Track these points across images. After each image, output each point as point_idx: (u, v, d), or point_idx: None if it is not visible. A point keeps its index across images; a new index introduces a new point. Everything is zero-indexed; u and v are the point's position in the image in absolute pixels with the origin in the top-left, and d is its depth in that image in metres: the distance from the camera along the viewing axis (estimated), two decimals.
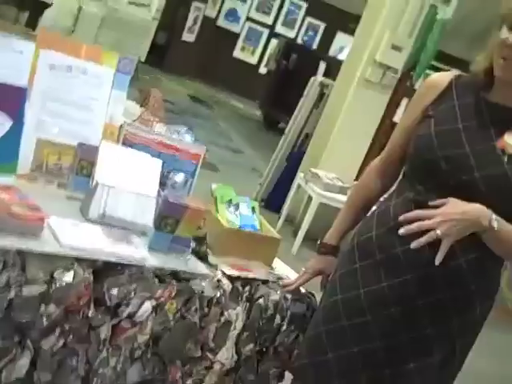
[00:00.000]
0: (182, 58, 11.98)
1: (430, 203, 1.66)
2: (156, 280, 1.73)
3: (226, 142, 8.47)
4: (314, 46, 13.00)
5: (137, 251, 1.75)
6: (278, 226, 5.44)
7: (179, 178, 2.24)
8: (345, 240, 1.98)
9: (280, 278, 2.01)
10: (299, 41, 13.08)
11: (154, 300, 1.70)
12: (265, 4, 13.04)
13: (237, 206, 2.10)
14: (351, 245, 1.85)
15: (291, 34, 13.08)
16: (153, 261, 1.76)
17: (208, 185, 5.87)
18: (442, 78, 1.82)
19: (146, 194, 1.92)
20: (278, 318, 1.93)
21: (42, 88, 1.99)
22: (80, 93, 2.05)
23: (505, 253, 1.70)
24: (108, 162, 1.94)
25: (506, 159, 1.64)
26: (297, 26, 13.20)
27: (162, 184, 2.20)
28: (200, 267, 1.86)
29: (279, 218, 5.56)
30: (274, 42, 12.41)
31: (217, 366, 1.89)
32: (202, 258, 1.93)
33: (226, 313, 1.85)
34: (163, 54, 11.98)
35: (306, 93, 5.69)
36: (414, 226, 1.64)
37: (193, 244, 1.94)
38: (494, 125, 1.70)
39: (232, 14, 12.98)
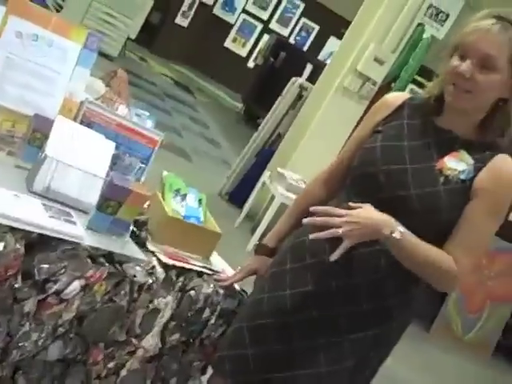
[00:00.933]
0: (173, 42, 11.93)
1: (349, 204, 1.70)
2: (89, 260, 1.74)
3: (201, 130, 8.46)
4: (306, 47, 13.02)
5: (74, 228, 1.75)
6: (237, 222, 5.47)
7: (133, 161, 2.24)
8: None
9: (215, 273, 2.03)
10: (292, 40, 13.09)
11: (84, 280, 1.71)
12: None
13: (184, 197, 2.12)
14: (286, 246, 1.91)
15: (285, 32, 13.09)
16: (89, 240, 1.77)
17: (174, 171, 5.85)
18: (397, 97, 1.88)
19: (94, 174, 1.93)
20: (207, 311, 1.95)
21: (5, 54, 1.99)
22: (43, 64, 2.04)
23: (408, 264, 1.71)
24: (61, 136, 1.94)
25: (442, 180, 1.70)
26: (291, 25, 13.21)
27: (116, 165, 2.21)
28: (136, 252, 1.87)
29: (241, 213, 5.58)
30: (266, 37, 12.41)
31: (140, 352, 1.90)
32: (141, 243, 1.95)
33: (155, 300, 1.86)
34: (155, 35, 11.93)
35: (284, 92, 5.71)
36: (319, 220, 1.67)
37: (134, 228, 1.96)
38: (436, 147, 1.76)
39: (229, 4, 12.95)
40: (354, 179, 1.82)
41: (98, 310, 1.76)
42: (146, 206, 2.09)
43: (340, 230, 1.62)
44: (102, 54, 8.89)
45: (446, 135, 1.76)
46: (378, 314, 1.77)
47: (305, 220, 1.69)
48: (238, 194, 5.80)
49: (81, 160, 1.92)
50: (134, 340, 1.88)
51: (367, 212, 1.66)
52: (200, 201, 2.15)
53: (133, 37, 11.26)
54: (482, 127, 1.75)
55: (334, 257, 1.63)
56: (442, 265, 1.69)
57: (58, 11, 8.47)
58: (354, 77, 5.12)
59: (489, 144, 1.74)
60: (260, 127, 5.94)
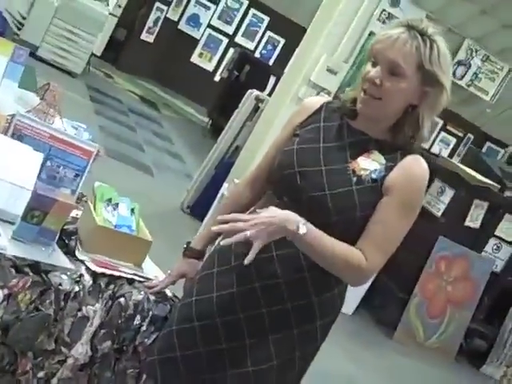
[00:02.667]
0: (139, 58, 11.92)
1: (256, 210, 1.73)
2: (13, 270, 1.75)
3: (165, 145, 8.46)
4: (272, 60, 13.12)
5: None
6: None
7: (68, 172, 2.26)
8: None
9: (146, 279, 2.05)
10: (258, 54, 13.17)
11: (7, 289, 1.72)
12: (227, 13, 13.11)
13: (116, 206, 2.13)
14: (213, 250, 1.94)
15: (251, 46, 13.16)
16: (13, 250, 1.79)
17: (136, 185, 5.84)
18: (315, 101, 1.93)
19: (21, 185, 1.94)
20: (138, 318, 1.97)
21: None
22: None
23: (316, 258, 1.73)
24: None
25: (355, 180, 1.74)
26: (257, 39, 13.30)
27: (51, 178, 2.23)
28: (63, 261, 1.89)
29: (201, 225, 5.59)
30: (232, 51, 12.48)
31: (70, 361, 1.91)
32: (70, 252, 1.96)
33: (84, 308, 1.88)
34: (120, 51, 11.93)
35: (241, 105, 5.76)
36: (226, 227, 1.69)
37: (63, 238, 1.98)
38: (351, 148, 1.80)
39: (194, 20, 13.00)
40: (275, 181, 1.86)
41: (23, 320, 1.77)
42: (75, 215, 2.11)
43: (248, 233, 1.64)
44: (65, 71, 8.89)
45: (360, 137, 1.81)
46: (301, 312, 1.80)
47: (213, 228, 1.71)
48: (198, 207, 5.82)
49: (7, 172, 1.93)
50: (63, 349, 1.89)
51: (270, 212, 1.69)
52: (132, 210, 2.17)
53: (98, 53, 11.25)
54: (394, 131, 1.80)
55: (247, 260, 1.65)
56: (349, 259, 1.71)
57: (19, 29, 8.46)
58: (309, 87, 5.18)
59: (401, 145, 1.79)
60: (218, 140, 5.98)
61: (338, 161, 1.79)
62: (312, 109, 1.90)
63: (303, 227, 1.66)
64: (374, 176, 1.75)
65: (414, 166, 1.76)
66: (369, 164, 1.76)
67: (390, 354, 5.51)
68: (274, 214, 1.68)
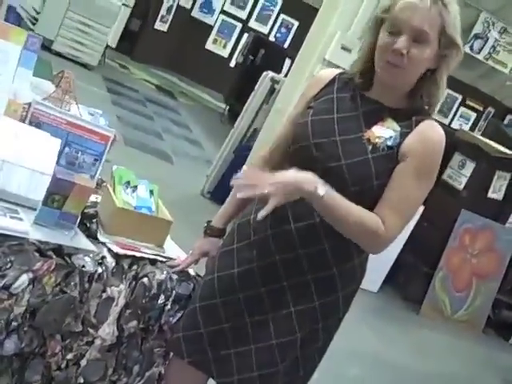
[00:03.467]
0: (154, 47, 11.95)
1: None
2: (36, 254, 1.78)
3: (183, 133, 8.49)
4: (287, 43, 13.07)
5: (20, 224, 1.80)
6: None
7: (87, 158, 2.28)
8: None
9: (168, 259, 2.07)
10: (272, 37, 13.12)
11: (32, 273, 1.74)
12: None
13: (135, 188, 2.15)
14: (233, 227, 1.96)
15: (264, 30, 13.12)
16: (36, 235, 1.81)
17: (156, 172, 5.90)
18: (328, 73, 1.92)
19: (41, 171, 1.96)
20: (161, 298, 1.98)
21: None
22: None
23: (333, 222, 1.73)
24: (5, 137, 1.98)
25: (370, 148, 1.74)
26: (270, 23, 13.25)
27: (71, 164, 2.25)
28: (85, 244, 1.91)
29: None
30: (246, 36, 12.44)
31: (98, 342, 1.94)
32: (92, 235, 1.99)
33: (108, 289, 1.90)
34: (135, 42, 11.95)
35: (256, 88, 5.75)
36: (244, 181, 1.69)
37: (84, 221, 2.00)
38: (365, 118, 1.80)
39: (207, 6, 12.98)
40: (291, 154, 1.87)
41: (49, 302, 1.79)
42: (95, 199, 2.13)
43: (266, 191, 1.64)
44: (81, 64, 8.95)
45: (374, 106, 1.81)
46: (322, 284, 1.81)
47: (238, 195, 1.72)
48: (219, 192, 5.83)
49: (27, 158, 1.96)
50: (90, 330, 1.92)
51: (289, 172, 1.69)
52: (151, 191, 2.18)
53: (113, 45, 11.31)
54: (410, 97, 1.79)
55: (260, 215, 1.64)
56: (367, 223, 1.70)
57: (33, 24, 8.51)
58: (324, 66, 5.14)
59: (415, 110, 1.78)
60: (236, 124, 5.98)
61: (352, 130, 1.79)
62: (325, 81, 1.90)
63: (322, 188, 1.65)
64: (389, 143, 1.75)
65: (430, 130, 1.76)
66: (383, 132, 1.76)
67: (417, 329, 5.51)
68: (293, 174, 1.68)
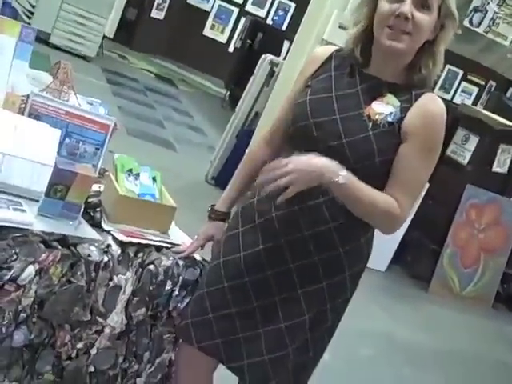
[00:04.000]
0: (151, 36, 11.89)
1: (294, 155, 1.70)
2: (41, 245, 1.78)
3: (185, 120, 8.47)
4: (285, 26, 12.99)
5: (23, 215, 1.79)
6: None
7: (88, 148, 2.27)
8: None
9: (174, 245, 2.06)
10: (269, 20, 13.05)
11: (38, 264, 1.74)
12: None
13: (137, 176, 2.15)
14: (237, 210, 1.95)
15: (262, 14, 13.04)
16: (40, 226, 1.81)
17: (159, 161, 5.89)
18: (324, 51, 1.91)
19: (42, 162, 1.96)
20: (169, 284, 1.98)
21: None
22: None
23: (352, 207, 1.74)
24: (5, 130, 1.97)
25: (370, 125, 1.73)
26: (267, 6, 13.17)
27: (72, 154, 2.24)
28: (90, 233, 1.91)
29: None
30: (243, 20, 12.37)
31: (107, 330, 1.94)
32: (96, 224, 1.98)
33: (115, 277, 1.90)
34: (132, 31, 11.90)
35: (256, 71, 5.72)
36: (267, 177, 1.69)
37: (88, 210, 2.00)
38: (364, 94, 1.79)
39: None
40: (291, 135, 1.86)
41: (57, 293, 1.80)
42: (98, 188, 2.13)
43: (284, 180, 1.64)
44: (79, 56, 8.91)
45: (372, 81, 1.80)
46: (329, 264, 1.80)
47: (257, 181, 1.72)
48: (223, 177, 5.81)
49: (27, 150, 1.95)
50: (99, 319, 1.92)
51: (309, 158, 1.68)
52: (154, 178, 2.18)
53: (110, 35, 11.26)
54: (409, 70, 1.78)
55: (279, 201, 1.67)
56: (384, 207, 1.72)
57: (29, 18, 8.47)
58: (322, 46, 5.11)
59: (414, 84, 1.77)
60: (237, 108, 5.96)
61: (352, 108, 1.77)
62: (322, 59, 1.89)
63: (341, 177, 1.66)
64: (389, 119, 1.73)
65: (431, 104, 1.75)
66: (383, 108, 1.74)
67: (427, 306, 5.51)
68: (312, 161, 1.67)
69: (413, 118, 1.73)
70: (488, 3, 10.86)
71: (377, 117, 1.74)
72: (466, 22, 10.65)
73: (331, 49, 1.91)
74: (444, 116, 1.75)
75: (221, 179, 5.88)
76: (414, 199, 1.77)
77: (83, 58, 8.97)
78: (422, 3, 1.71)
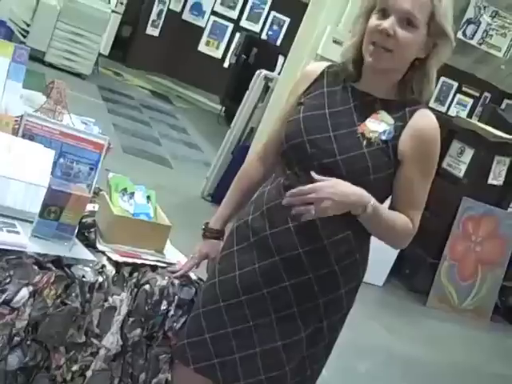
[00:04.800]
0: (146, 53, 11.94)
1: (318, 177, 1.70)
2: (35, 267, 1.77)
3: (181, 136, 8.48)
4: (279, 41, 13.05)
5: (17, 237, 1.79)
6: None
7: (82, 167, 2.27)
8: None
9: (169, 265, 2.05)
10: (264, 35, 13.11)
11: (32, 286, 1.73)
12: None
13: (132, 195, 2.14)
14: (231, 229, 1.94)
15: (256, 29, 13.11)
16: (34, 247, 1.80)
17: (156, 178, 5.87)
18: (316, 67, 1.91)
19: (36, 183, 1.95)
20: (164, 303, 1.97)
21: None
22: None
23: (372, 230, 1.81)
24: None
25: (365, 143, 1.73)
26: (261, 21, 13.24)
27: (66, 174, 2.24)
28: (85, 254, 1.90)
29: None
30: (238, 36, 12.43)
31: (102, 352, 1.92)
32: (91, 244, 1.98)
33: (110, 298, 1.89)
34: (127, 48, 11.95)
35: (250, 87, 5.73)
36: (296, 199, 1.69)
37: (83, 231, 1.99)
38: (357, 111, 1.79)
39: (197, 8, 12.96)
40: (284, 152, 1.85)
41: (51, 315, 1.78)
42: (93, 208, 2.12)
43: (312, 212, 1.66)
44: (75, 74, 8.93)
45: (366, 98, 1.80)
46: (324, 282, 1.80)
47: (284, 201, 1.71)
48: (219, 194, 5.80)
49: (21, 171, 1.95)
50: (94, 340, 1.90)
51: (342, 185, 1.69)
52: (148, 197, 2.17)
53: (105, 53, 11.30)
54: (401, 87, 1.78)
55: (301, 219, 1.69)
56: (403, 227, 1.79)
57: (24, 37, 8.50)
58: (316, 61, 5.11)
59: (408, 101, 1.77)
60: (232, 124, 5.97)
61: (345, 125, 1.77)
62: (313, 76, 1.89)
63: (370, 207, 1.69)
64: (383, 137, 1.74)
65: (424, 122, 1.76)
66: (377, 126, 1.75)
67: (425, 320, 5.49)
68: (346, 190, 1.68)
69: (408, 138, 1.75)
70: (481, 15, 10.93)
71: (371, 135, 1.74)
72: (459, 34, 10.72)
73: (323, 65, 1.91)
74: (438, 132, 1.76)
75: (217, 195, 5.87)
76: (421, 213, 1.83)
77: (79, 75, 8.99)
78: (407, 21, 1.70)
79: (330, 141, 1.75)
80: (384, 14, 1.72)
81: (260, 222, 1.82)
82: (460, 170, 5.78)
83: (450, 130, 5.79)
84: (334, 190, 1.67)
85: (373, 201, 1.71)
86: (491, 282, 5.80)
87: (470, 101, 12.78)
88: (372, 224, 1.77)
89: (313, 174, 1.69)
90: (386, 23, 1.70)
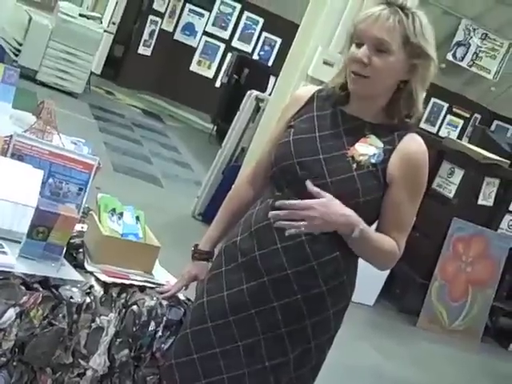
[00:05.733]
0: (138, 72, 11.98)
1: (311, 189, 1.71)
2: (23, 287, 1.76)
3: (172, 155, 8.49)
4: (271, 61, 13.13)
5: (4, 258, 1.78)
6: None
7: (71, 187, 2.26)
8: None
9: (158, 285, 2.04)
10: (256, 56, 13.19)
11: (18, 307, 1.72)
12: (221, 19, 13.14)
13: (120, 215, 2.14)
14: (220, 250, 1.94)
15: (248, 49, 13.18)
16: (22, 268, 1.79)
17: (146, 196, 5.86)
18: (306, 91, 1.93)
19: (24, 203, 1.95)
20: (152, 324, 1.96)
21: None
22: None
23: (358, 252, 1.82)
24: None
25: (354, 166, 1.75)
26: (253, 41, 13.32)
27: (55, 194, 2.24)
28: (72, 274, 1.89)
29: None
30: (229, 56, 12.50)
31: (89, 373, 1.91)
32: (79, 265, 1.97)
33: (97, 319, 1.88)
34: (119, 67, 11.99)
35: (241, 107, 5.76)
36: (283, 214, 1.71)
37: (71, 251, 1.98)
38: (346, 134, 1.81)
39: (189, 28, 13.03)
40: (274, 174, 1.86)
41: (38, 335, 1.77)
42: (81, 228, 2.11)
43: (302, 228, 1.69)
44: (67, 93, 8.95)
45: (355, 122, 1.82)
46: (312, 303, 1.80)
47: (270, 214, 1.73)
48: (210, 213, 5.77)
49: (9, 192, 1.94)
50: (81, 361, 1.89)
51: (332, 207, 1.70)
52: (137, 217, 2.17)
53: (97, 72, 11.33)
54: (388, 111, 1.80)
55: (288, 233, 1.71)
56: (388, 249, 1.81)
57: (16, 55, 8.52)
58: (307, 82, 5.15)
59: (396, 125, 1.79)
60: (223, 144, 5.98)
61: (335, 148, 1.79)
62: (303, 99, 1.91)
63: (358, 230, 1.71)
64: (373, 161, 1.76)
65: (413, 147, 1.78)
66: (366, 149, 1.77)
67: (415, 341, 5.49)
68: (337, 210, 1.70)
69: (397, 162, 1.77)
70: (471, 37, 11.05)
71: (360, 158, 1.76)
72: (449, 56, 10.82)
73: (313, 89, 1.93)
74: (426, 157, 1.79)
75: (208, 215, 5.87)
76: (406, 236, 1.85)
77: (70, 94, 9.01)
78: (379, 47, 1.73)
79: (320, 163, 1.76)
80: (360, 43, 1.76)
81: (248, 242, 1.82)
82: (450, 191, 5.81)
83: (440, 151, 5.83)
84: (327, 209, 1.69)
85: (362, 225, 1.72)
86: (481, 302, 5.81)
87: (461, 122, 12.86)
88: (359, 246, 1.79)
89: (308, 184, 1.70)
90: (360, 52, 1.74)
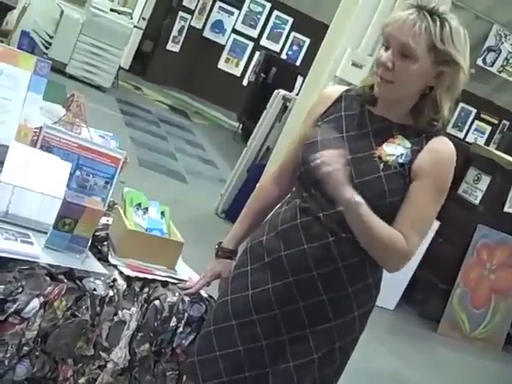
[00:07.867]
0: (166, 68, 12.03)
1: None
2: (47, 278, 1.77)
3: (197, 152, 8.51)
4: (299, 61, 13.11)
5: (30, 248, 1.80)
6: None
7: (98, 181, 2.28)
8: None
9: (180, 281, 2.05)
10: (284, 55, 13.18)
11: (43, 297, 1.74)
12: (251, 17, 13.15)
13: (146, 210, 2.15)
14: (245, 248, 1.94)
15: (276, 48, 13.18)
16: (47, 258, 1.81)
17: (170, 192, 5.90)
18: (334, 91, 1.92)
19: (51, 195, 1.96)
20: (173, 320, 1.97)
21: None
22: None
23: (361, 234, 1.75)
24: (16, 162, 1.98)
25: (382, 166, 1.74)
26: (282, 41, 13.32)
27: (82, 187, 2.25)
28: (96, 267, 1.91)
29: None
30: (258, 54, 12.51)
31: (110, 365, 1.92)
32: (103, 258, 1.98)
33: (120, 312, 1.89)
34: (147, 63, 12.05)
35: (268, 106, 5.76)
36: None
37: (96, 244, 2.00)
38: (374, 135, 1.80)
39: (218, 26, 13.06)
40: (301, 174, 1.86)
41: (60, 326, 1.79)
42: (106, 221, 2.13)
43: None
44: (95, 86, 9.01)
45: (383, 123, 1.81)
46: (338, 304, 1.79)
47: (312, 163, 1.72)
48: (233, 211, 5.80)
49: (37, 183, 1.96)
50: (102, 354, 1.91)
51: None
52: (163, 213, 2.18)
53: (126, 67, 11.40)
54: (415, 113, 1.78)
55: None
56: (392, 240, 1.73)
57: (46, 48, 8.59)
58: (335, 83, 5.13)
59: (425, 128, 1.77)
60: (249, 142, 5.98)
61: (363, 149, 1.78)
62: (331, 99, 1.90)
63: (358, 197, 1.67)
64: (400, 161, 1.74)
65: (441, 148, 1.76)
66: (394, 149, 1.75)
67: (435, 347, 5.44)
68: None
69: (423, 160, 1.75)
70: (502, 43, 10.93)
71: (388, 158, 1.75)
72: (479, 61, 10.71)
73: (341, 89, 1.92)
74: (454, 159, 1.76)
75: (231, 213, 5.87)
76: (422, 236, 1.77)
77: (98, 88, 9.07)
78: (403, 53, 1.71)
79: (348, 164, 1.75)
80: (387, 47, 1.75)
81: (275, 242, 1.82)
82: (476, 197, 5.75)
83: (467, 157, 5.77)
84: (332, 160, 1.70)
85: (358, 197, 1.69)
86: (504, 311, 5.74)
87: (489, 128, 12.73)
88: (359, 219, 1.71)
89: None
90: (384, 57, 1.73)
